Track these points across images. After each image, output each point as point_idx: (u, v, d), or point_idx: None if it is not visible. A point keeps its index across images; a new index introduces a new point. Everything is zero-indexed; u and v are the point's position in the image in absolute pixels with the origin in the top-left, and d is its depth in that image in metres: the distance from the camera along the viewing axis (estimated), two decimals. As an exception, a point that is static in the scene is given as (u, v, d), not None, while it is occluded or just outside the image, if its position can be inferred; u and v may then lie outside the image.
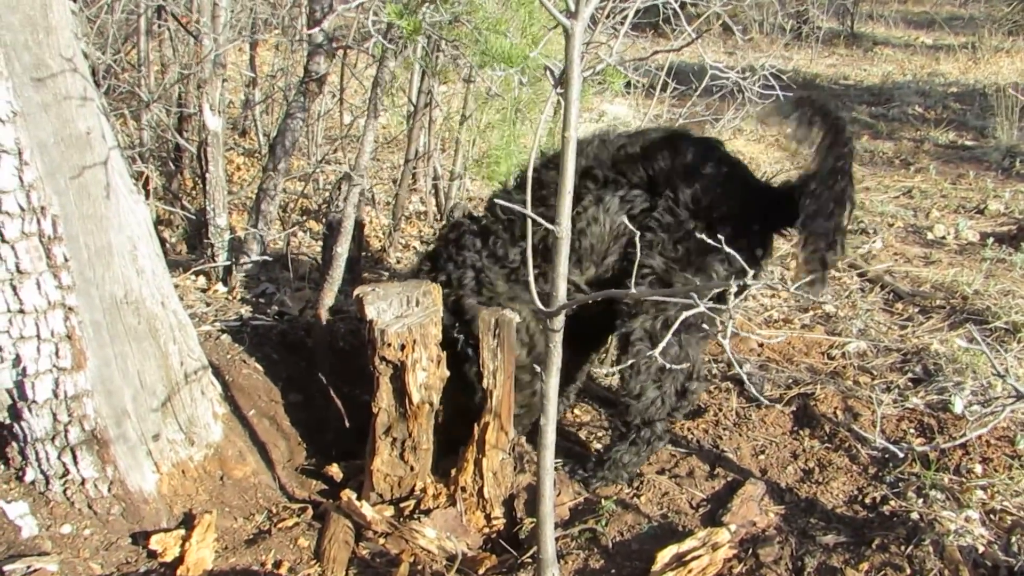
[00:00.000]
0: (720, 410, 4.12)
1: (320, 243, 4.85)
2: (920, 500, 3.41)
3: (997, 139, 8.73)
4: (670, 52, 3.17)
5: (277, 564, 3.10)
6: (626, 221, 3.51)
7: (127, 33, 6.06)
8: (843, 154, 3.22)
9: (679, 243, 3.40)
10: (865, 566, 3.03)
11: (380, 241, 5.69)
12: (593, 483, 3.64)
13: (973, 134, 9.27)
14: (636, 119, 7.56)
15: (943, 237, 6.29)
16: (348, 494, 3.34)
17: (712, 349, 4.54)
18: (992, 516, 3.31)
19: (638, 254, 3.22)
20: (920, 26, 17.09)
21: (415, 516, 3.36)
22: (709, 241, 2.47)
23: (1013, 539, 3.12)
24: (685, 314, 2.05)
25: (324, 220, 4.84)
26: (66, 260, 2.77)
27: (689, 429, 4.00)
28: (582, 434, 4.09)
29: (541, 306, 2.42)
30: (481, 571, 3.17)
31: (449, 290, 3.65)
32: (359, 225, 4.61)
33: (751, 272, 1.92)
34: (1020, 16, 13.90)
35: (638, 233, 2.87)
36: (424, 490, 3.45)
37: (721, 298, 3.10)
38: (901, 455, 3.49)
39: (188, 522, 3.16)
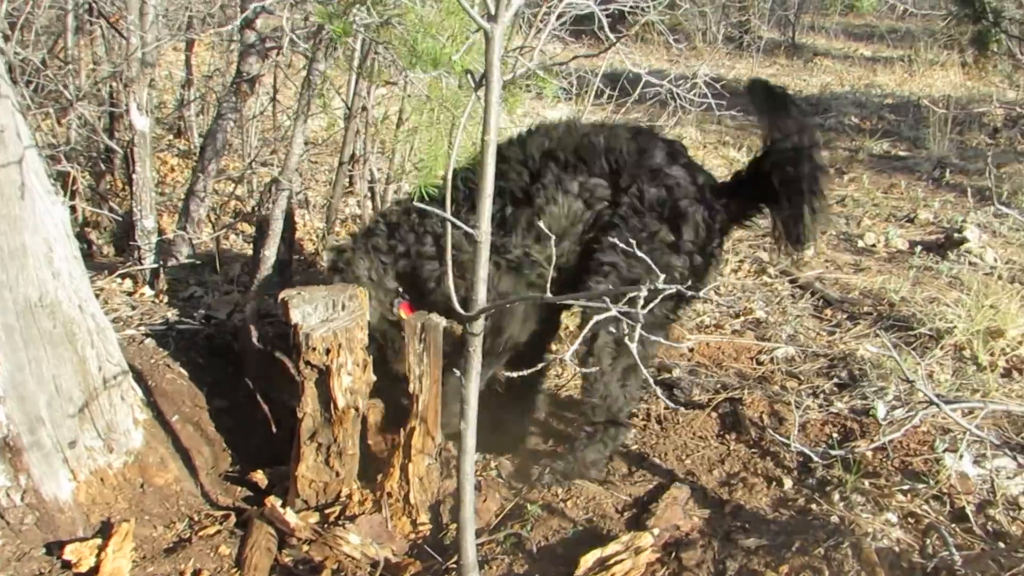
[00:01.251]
0: (648, 414, 4.15)
1: (252, 246, 4.80)
2: (842, 503, 3.46)
3: (929, 150, 8.91)
4: (589, 57, 3.19)
5: (196, 573, 3.06)
6: (581, 207, 3.57)
7: (60, 30, 5.94)
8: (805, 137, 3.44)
9: (642, 243, 3.41)
10: (785, 568, 3.06)
11: (314, 244, 5.65)
12: (564, 484, 3.66)
13: (906, 145, 9.45)
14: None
15: (873, 245, 6.40)
16: (272, 500, 3.30)
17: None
18: (910, 519, 3.36)
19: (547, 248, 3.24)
20: (860, 38, 17.42)
21: (340, 522, 3.33)
22: (639, 254, 2.49)
23: (928, 541, 3.18)
24: (597, 317, 2.05)
25: (255, 223, 4.79)
26: (-23, 261, 2.72)
27: (618, 434, 4.02)
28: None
29: (460, 309, 2.42)
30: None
31: (407, 260, 3.71)
32: (290, 228, 4.57)
33: (661, 277, 1.93)
34: (955, 31, 14.20)
35: (550, 236, 2.91)
36: (350, 496, 3.42)
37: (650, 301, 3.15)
38: (816, 458, 3.54)
39: (105, 531, 3.10)
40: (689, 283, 3.51)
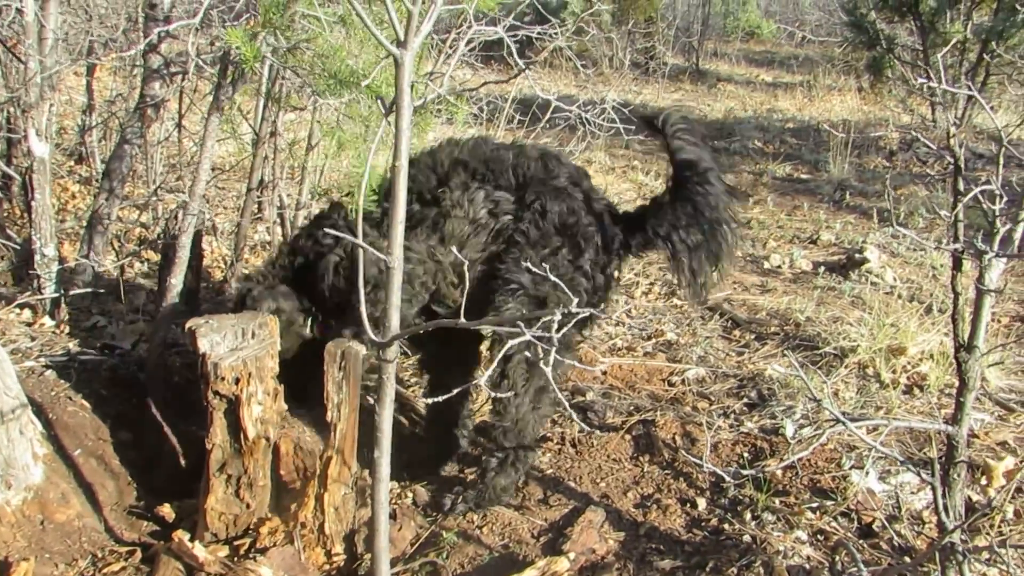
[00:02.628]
0: (563, 437, 4.15)
1: (157, 274, 4.69)
2: (754, 522, 3.51)
3: (829, 173, 9.19)
4: (499, 83, 3.21)
5: (101, 611, 2.96)
6: (485, 216, 3.59)
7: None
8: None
9: (545, 260, 3.48)
10: (699, 589, 3.10)
11: (222, 272, 5.54)
12: (478, 512, 3.66)
13: (808, 168, 9.73)
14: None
15: (779, 266, 6.55)
16: (180, 534, 3.20)
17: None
18: (820, 536, 3.43)
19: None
20: (760, 64, 17.92)
21: (251, 555, 3.25)
22: (551, 277, 2.49)
23: (837, 558, 3.24)
24: (512, 341, 2.05)
25: (161, 251, 4.68)
26: None
27: (533, 458, 4.02)
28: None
29: (372, 336, 2.39)
30: (318, 609, 3.10)
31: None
32: (197, 255, 4.48)
33: (575, 300, 1.94)
34: (851, 57, 14.70)
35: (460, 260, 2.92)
36: (260, 528, 3.34)
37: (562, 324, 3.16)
38: (727, 479, 3.59)
39: (3, 571, 2.96)
40: (597, 303, 3.62)
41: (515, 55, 2.86)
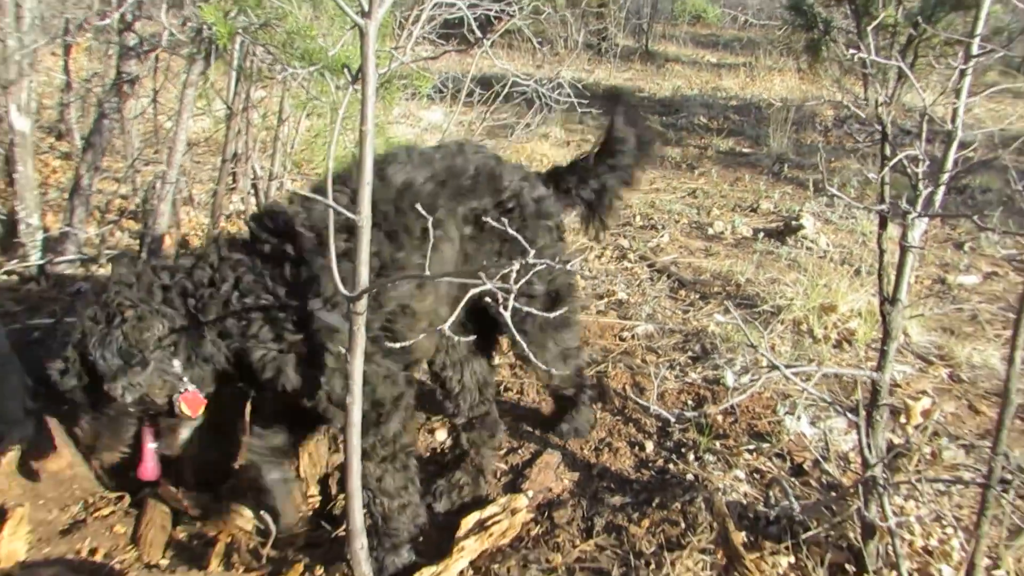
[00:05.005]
0: (523, 388, 4.24)
1: (138, 242, 4.69)
2: (696, 463, 3.62)
3: (769, 147, 9.30)
4: (459, 52, 3.24)
5: (92, 551, 3.00)
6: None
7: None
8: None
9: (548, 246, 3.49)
10: (646, 523, 3.20)
11: (199, 239, 5.55)
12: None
13: (749, 142, 9.84)
14: (450, 124, 7.64)
15: (721, 232, 6.66)
16: (165, 481, 3.25)
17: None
18: (756, 475, 3.55)
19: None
20: (706, 46, 18.01)
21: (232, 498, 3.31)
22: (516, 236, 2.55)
23: (771, 494, 3.36)
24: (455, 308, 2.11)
25: (141, 219, 4.68)
26: None
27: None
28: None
29: (344, 291, 2.44)
30: (296, 545, 3.16)
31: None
32: (176, 224, 4.50)
33: (531, 252, 2.02)
34: (791, 39, 14.83)
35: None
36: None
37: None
38: (672, 420, 3.69)
39: (0, 516, 3.00)
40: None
41: (473, 27, 2.91)
